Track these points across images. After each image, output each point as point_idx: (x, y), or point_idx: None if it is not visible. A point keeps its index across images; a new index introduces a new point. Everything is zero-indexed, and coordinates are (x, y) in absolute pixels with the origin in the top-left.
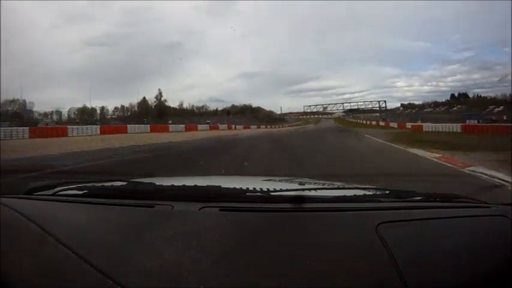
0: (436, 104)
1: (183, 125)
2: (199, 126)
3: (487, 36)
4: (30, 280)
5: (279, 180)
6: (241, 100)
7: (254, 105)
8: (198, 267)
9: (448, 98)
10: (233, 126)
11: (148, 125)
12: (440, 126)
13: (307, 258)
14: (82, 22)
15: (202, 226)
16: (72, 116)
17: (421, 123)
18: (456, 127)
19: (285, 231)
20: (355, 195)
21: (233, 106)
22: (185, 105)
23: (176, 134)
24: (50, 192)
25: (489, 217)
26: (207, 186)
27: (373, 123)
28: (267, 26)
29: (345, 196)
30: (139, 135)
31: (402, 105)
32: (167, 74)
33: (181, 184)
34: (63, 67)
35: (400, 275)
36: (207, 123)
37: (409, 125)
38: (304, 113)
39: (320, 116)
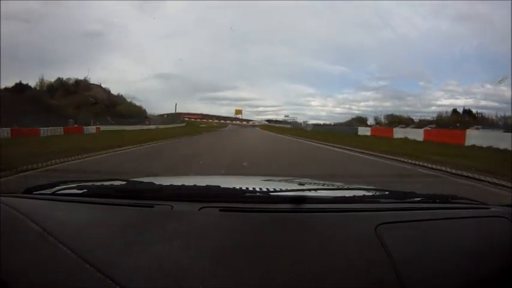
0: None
1: None
2: None
3: (403, 68)
4: (30, 279)
5: (279, 181)
6: (155, 101)
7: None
8: (198, 267)
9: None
10: None
11: None
12: None
13: (306, 259)
14: None
15: (202, 226)
16: None
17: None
18: None
19: (285, 232)
20: (354, 196)
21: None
22: None
23: None
24: (50, 191)
25: (488, 218)
26: (206, 186)
27: None
28: (190, 31)
29: (344, 197)
30: None
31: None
32: (83, 63)
33: (180, 184)
34: None
35: (399, 276)
36: None
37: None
38: (205, 116)
39: (229, 121)
